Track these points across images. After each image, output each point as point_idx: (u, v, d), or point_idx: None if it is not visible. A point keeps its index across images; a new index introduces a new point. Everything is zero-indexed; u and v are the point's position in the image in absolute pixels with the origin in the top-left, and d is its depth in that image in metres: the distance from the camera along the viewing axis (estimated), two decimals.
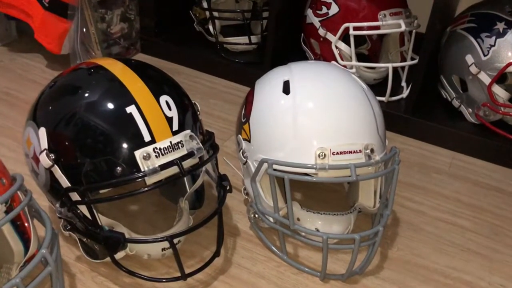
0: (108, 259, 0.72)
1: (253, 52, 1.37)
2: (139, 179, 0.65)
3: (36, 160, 0.69)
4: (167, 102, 0.69)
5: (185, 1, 1.43)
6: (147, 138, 0.65)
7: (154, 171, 0.64)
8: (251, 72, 1.28)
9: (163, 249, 0.73)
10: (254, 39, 1.35)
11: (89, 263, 0.75)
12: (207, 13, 1.34)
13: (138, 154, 0.64)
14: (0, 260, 0.69)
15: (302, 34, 1.31)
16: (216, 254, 0.74)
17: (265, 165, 0.74)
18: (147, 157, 0.64)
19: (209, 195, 0.85)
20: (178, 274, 0.70)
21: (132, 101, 0.66)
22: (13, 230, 0.66)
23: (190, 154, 0.68)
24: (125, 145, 0.65)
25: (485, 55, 1.05)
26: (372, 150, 0.73)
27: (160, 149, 0.65)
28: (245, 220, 0.86)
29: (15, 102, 1.16)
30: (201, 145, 0.69)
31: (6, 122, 1.08)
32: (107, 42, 1.34)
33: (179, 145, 0.67)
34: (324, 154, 0.71)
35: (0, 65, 1.33)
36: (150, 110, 0.67)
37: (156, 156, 0.65)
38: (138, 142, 0.65)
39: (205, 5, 1.34)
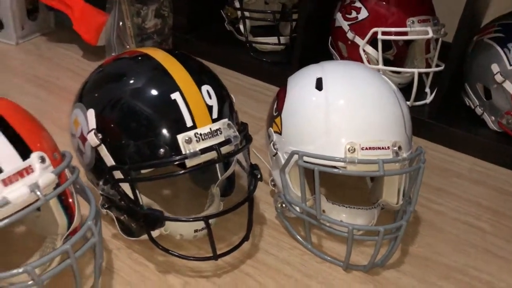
0: (143, 237, 0.76)
1: (280, 52, 1.41)
2: (180, 161, 0.69)
3: (83, 139, 0.73)
4: (208, 91, 0.73)
5: (217, 1, 1.48)
6: (189, 123, 0.69)
7: (194, 154, 0.68)
8: (278, 72, 1.33)
9: (195, 231, 0.77)
10: (282, 39, 1.39)
11: (125, 241, 0.79)
12: (239, 12, 1.38)
13: (181, 138, 0.68)
14: (45, 231, 0.74)
15: (330, 37, 1.35)
16: (246, 238, 0.77)
17: (295, 156, 0.78)
18: (188, 141, 0.68)
19: (237, 185, 0.88)
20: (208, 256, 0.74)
21: (176, 88, 0.70)
22: (58, 204, 0.70)
23: (227, 141, 0.72)
24: (168, 129, 0.69)
25: (511, 65, 1.08)
26: (399, 148, 0.76)
27: (200, 134, 0.69)
28: (271, 210, 0.90)
29: (53, 89, 1.22)
30: (237, 133, 0.73)
31: (46, 106, 1.14)
32: (141, 36, 1.38)
33: (218, 132, 0.71)
34: (354, 149, 0.74)
35: (38, 53, 1.38)
36: (192, 98, 0.71)
37: (196, 140, 0.69)
38: (180, 126, 0.69)
39: (237, 5, 1.38)
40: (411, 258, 0.83)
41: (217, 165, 0.85)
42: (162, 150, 0.69)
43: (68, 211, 0.72)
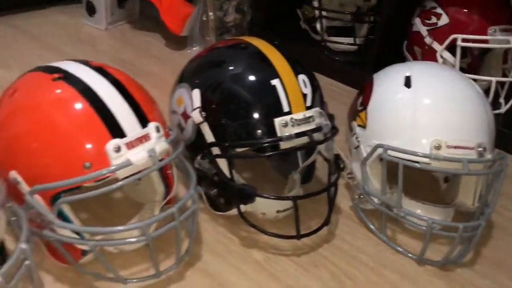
0: (228, 212, 0.81)
1: (353, 53, 1.44)
2: (275, 143, 0.74)
3: (186, 116, 0.80)
4: (303, 80, 0.78)
5: (294, 0, 1.53)
6: (286, 108, 0.74)
7: (289, 137, 0.73)
8: (350, 71, 1.37)
9: (277, 211, 0.82)
10: (357, 40, 1.42)
11: (211, 215, 0.85)
12: (317, 12, 1.42)
13: (277, 121, 0.74)
14: (143, 199, 0.81)
15: (406, 41, 1.37)
16: (326, 223, 0.81)
17: (379, 150, 0.81)
18: (285, 125, 0.73)
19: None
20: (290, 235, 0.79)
21: (277, 75, 0.76)
22: (158, 174, 0.77)
23: (318, 129, 0.76)
24: (266, 113, 0.74)
25: None
26: (484, 149, 0.78)
27: (295, 119, 0.74)
28: (345, 202, 0.93)
29: (140, 73, 1.29)
30: (328, 122, 0.77)
31: None
32: (221, 29, 1.46)
33: (311, 119, 0.76)
34: (440, 146, 0.77)
35: (124, 39, 1.48)
36: (290, 85, 0.76)
37: (292, 125, 0.74)
38: (278, 111, 0.74)
39: (315, 4, 1.42)
40: (485, 260, 0.85)
41: (298, 152, 0.89)
42: (259, 131, 0.74)
43: (166, 181, 0.79)
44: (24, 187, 0.64)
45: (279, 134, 0.74)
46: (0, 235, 0.61)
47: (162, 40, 1.49)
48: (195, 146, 0.80)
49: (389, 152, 0.80)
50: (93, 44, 1.44)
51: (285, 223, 0.81)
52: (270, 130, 0.74)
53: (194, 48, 1.44)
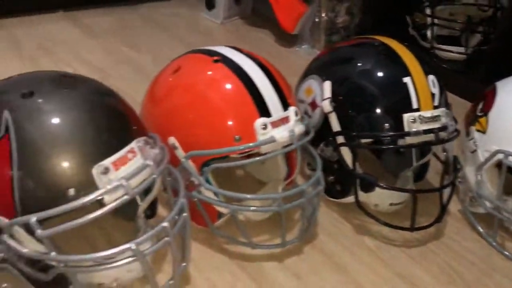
0: (342, 200, 0.86)
1: (461, 62, 1.44)
2: (401, 137, 0.78)
3: (314, 105, 0.86)
4: (432, 81, 0.81)
5: (405, 6, 1.55)
6: (415, 105, 0.78)
7: (417, 133, 0.77)
8: (458, 80, 1.37)
9: (391, 204, 0.86)
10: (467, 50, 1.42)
11: (325, 201, 0.90)
12: (429, 19, 1.44)
13: (406, 117, 0.78)
14: (266, 177, 0.88)
15: None
16: (438, 220, 0.84)
17: (499, 155, 0.83)
18: (413, 121, 0.77)
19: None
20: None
21: (408, 73, 0.80)
22: (283, 155, 0.84)
23: (444, 128, 0.79)
24: (396, 108, 0.79)
25: None
26: None
27: (423, 117, 0.78)
28: (452, 203, 0.95)
29: None
30: (454, 122, 0.80)
31: None
32: (330, 30, 1.51)
33: (437, 118, 0.79)
34: None
35: (238, 34, 1.58)
36: (420, 84, 0.80)
37: (419, 122, 0.78)
38: (407, 107, 0.78)
39: (428, 11, 1.44)
40: None
41: (413, 150, 0.92)
42: (387, 125, 0.78)
43: (289, 162, 0.86)
44: (181, 152, 0.73)
45: (406, 129, 0.78)
46: (156, 192, 0.71)
47: (272, 37, 1.57)
48: (320, 133, 0.86)
49: (510, 158, 0.82)
50: (210, 36, 1.55)
51: (393, 217, 0.85)
52: (398, 124, 0.78)
53: (303, 46, 1.50)
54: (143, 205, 0.71)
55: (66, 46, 1.35)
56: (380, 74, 0.81)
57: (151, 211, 0.74)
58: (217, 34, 1.56)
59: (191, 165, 0.73)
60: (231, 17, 1.63)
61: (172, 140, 0.73)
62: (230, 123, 0.71)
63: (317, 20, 1.47)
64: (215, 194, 0.74)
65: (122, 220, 0.75)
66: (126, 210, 0.70)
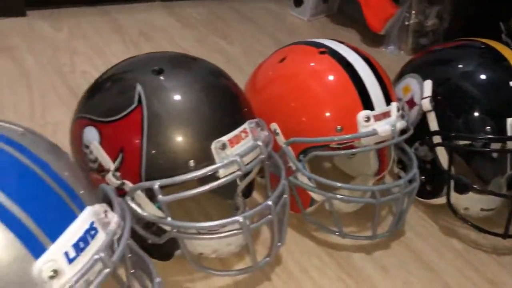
0: (431, 201, 0.86)
1: None
2: (503, 141, 0.78)
3: (411, 104, 0.87)
4: None
5: (499, 12, 1.50)
6: None
7: None
8: None
9: (482, 209, 0.85)
10: None
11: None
12: None
13: (510, 121, 0.77)
14: (355, 171, 0.90)
15: None
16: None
17: None
18: None
19: None
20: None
21: None
22: (376, 153, 0.85)
23: None
24: (500, 111, 0.78)
25: None
26: None
27: None
28: None
29: None
30: None
31: None
32: (418, 32, 1.49)
33: None
34: None
35: (324, 31, 1.60)
36: None
37: None
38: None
39: None
40: None
41: (508, 156, 0.90)
42: (488, 128, 0.78)
43: (381, 158, 0.87)
44: (281, 138, 0.76)
45: (509, 133, 0.77)
46: (255, 173, 0.75)
47: (358, 36, 1.58)
48: (415, 132, 0.86)
49: None
50: (297, 32, 1.58)
51: (481, 222, 0.83)
52: (500, 128, 0.77)
53: (389, 48, 1.50)
54: (241, 184, 0.75)
55: (163, 34, 1.43)
56: (484, 76, 0.81)
57: (248, 190, 0.78)
58: (303, 31, 1.59)
59: (290, 151, 0.76)
60: (318, 15, 1.66)
61: (274, 126, 0.77)
62: (332, 113, 0.73)
63: (406, 22, 1.46)
64: (310, 180, 0.77)
65: (220, 197, 0.80)
66: (226, 188, 0.74)
